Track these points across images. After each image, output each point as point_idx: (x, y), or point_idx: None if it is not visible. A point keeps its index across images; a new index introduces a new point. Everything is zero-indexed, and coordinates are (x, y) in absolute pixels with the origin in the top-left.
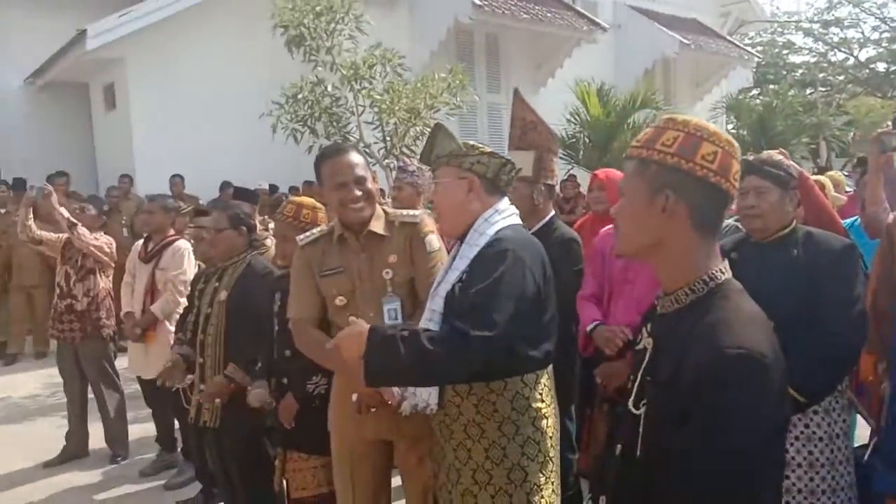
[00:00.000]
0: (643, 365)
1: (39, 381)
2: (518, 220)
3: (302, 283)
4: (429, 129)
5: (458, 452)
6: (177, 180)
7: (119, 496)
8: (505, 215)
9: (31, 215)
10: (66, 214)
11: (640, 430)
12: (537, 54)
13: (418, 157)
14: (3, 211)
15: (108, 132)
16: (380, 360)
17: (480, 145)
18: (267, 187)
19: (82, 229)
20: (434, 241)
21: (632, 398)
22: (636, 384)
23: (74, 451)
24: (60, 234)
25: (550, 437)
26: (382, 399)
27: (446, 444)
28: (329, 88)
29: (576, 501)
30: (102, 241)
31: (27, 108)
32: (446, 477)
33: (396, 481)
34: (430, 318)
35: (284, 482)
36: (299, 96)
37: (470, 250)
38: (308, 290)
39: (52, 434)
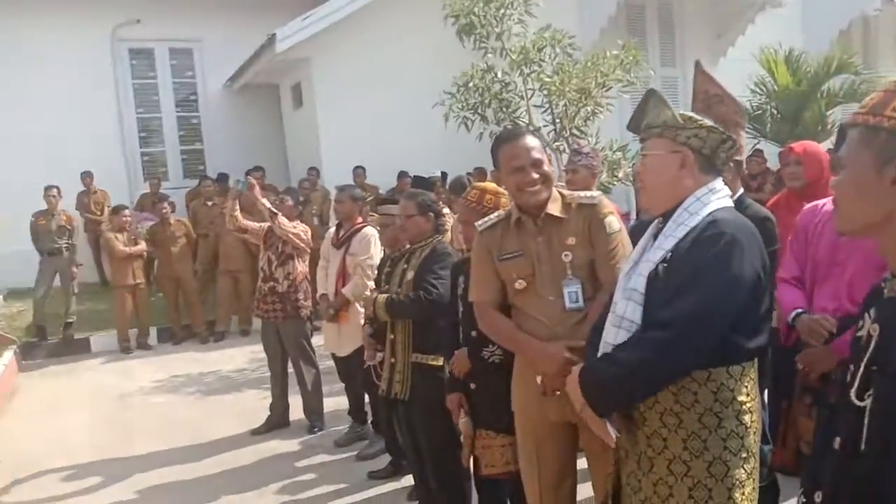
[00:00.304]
0: (867, 353)
1: (245, 356)
2: (731, 202)
3: (482, 268)
4: (600, 109)
5: (651, 441)
6: (359, 171)
7: (317, 464)
8: (719, 196)
9: (238, 207)
10: (268, 205)
11: (865, 422)
12: (716, 23)
13: (590, 137)
14: (210, 203)
15: (297, 128)
16: (598, 397)
17: (699, 117)
18: (440, 175)
19: (282, 218)
20: (614, 222)
21: (854, 389)
22: (859, 374)
23: (277, 421)
24: (262, 223)
25: (754, 433)
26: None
27: (639, 431)
28: (499, 75)
29: (770, 494)
30: (300, 229)
31: (227, 109)
32: (636, 465)
33: (582, 463)
34: (630, 298)
35: (473, 458)
36: (470, 84)
37: (678, 230)
38: (489, 274)
39: (257, 404)
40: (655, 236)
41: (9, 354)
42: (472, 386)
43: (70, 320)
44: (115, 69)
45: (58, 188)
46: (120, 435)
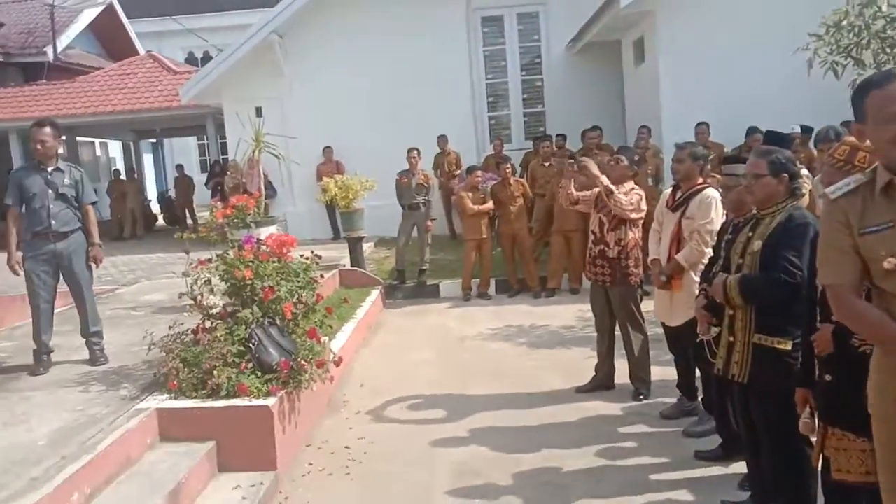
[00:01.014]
0: None
1: (573, 314)
2: None
3: (837, 244)
4: None
5: None
6: (702, 128)
7: (639, 433)
8: None
9: (572, 185)
10: (605, 182)
11: None
12: None
13: None
14: (547, 164)
15: (637, 85)
16: None
17: None
18: (799, 130)
19: (619, 196)
20: None
21: None
22: None
23: (602, 382)
24: (593, 189)
25: None
26: None
27: None
28: (883, 8)
29: None
30: (635, 199)
31: (568, 70)
32: None
33: None
34: None
35: (823, 459)
36: (843, 23)
37: None
38: (846, 252)
39: (582, 363)
40: None
41: (376, 293)
42: (828, 378)
43: (424, 267)
44: (469, 37)
45: (418, 150)
46: (457, 374)
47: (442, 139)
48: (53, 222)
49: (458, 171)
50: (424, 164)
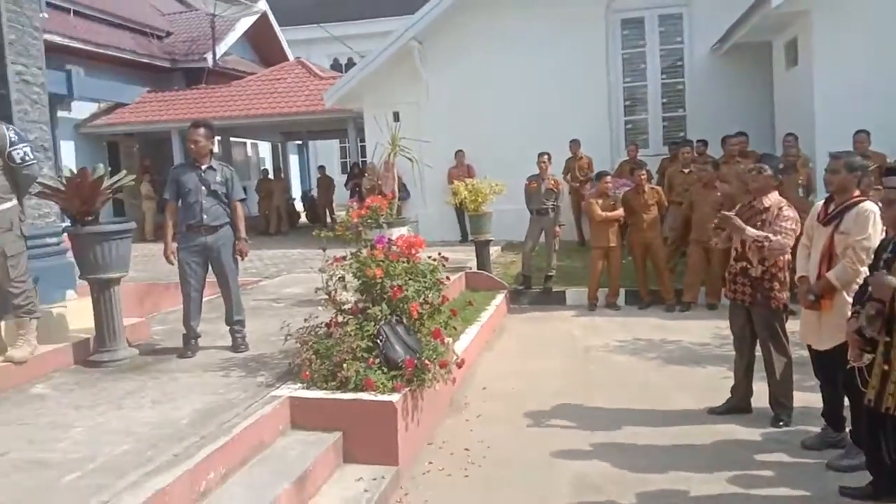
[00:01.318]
0: None
1: (709, 330)
2: None
3: None
4: None
5: None
6: (861, 136)
7: (777, 462)
8: None
9: (724, 236)
10: (753, 235)
11: None
12: None
13: None
14: (686, 171)
15: (788, 89)
16: None
17: None
18: None
19: (771, 245)
20: None
21: None
22: None
23: (738, 405)
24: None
25: None
26: None
27: None
28: None
29: None
30: (788, 228)
31: (712, 73)
32: None
33: None
34: None
35: None
36: None
37: None
38: None
39: (717, 383)
40: None
41: (500, 297)
42: None
43: (551, 274)
44: (607, 41)
45: (549, 154)
46: (581, 384)
47: (574, 143)
48: (205, 217)
49: (591, 177)
50: (555, 169)
